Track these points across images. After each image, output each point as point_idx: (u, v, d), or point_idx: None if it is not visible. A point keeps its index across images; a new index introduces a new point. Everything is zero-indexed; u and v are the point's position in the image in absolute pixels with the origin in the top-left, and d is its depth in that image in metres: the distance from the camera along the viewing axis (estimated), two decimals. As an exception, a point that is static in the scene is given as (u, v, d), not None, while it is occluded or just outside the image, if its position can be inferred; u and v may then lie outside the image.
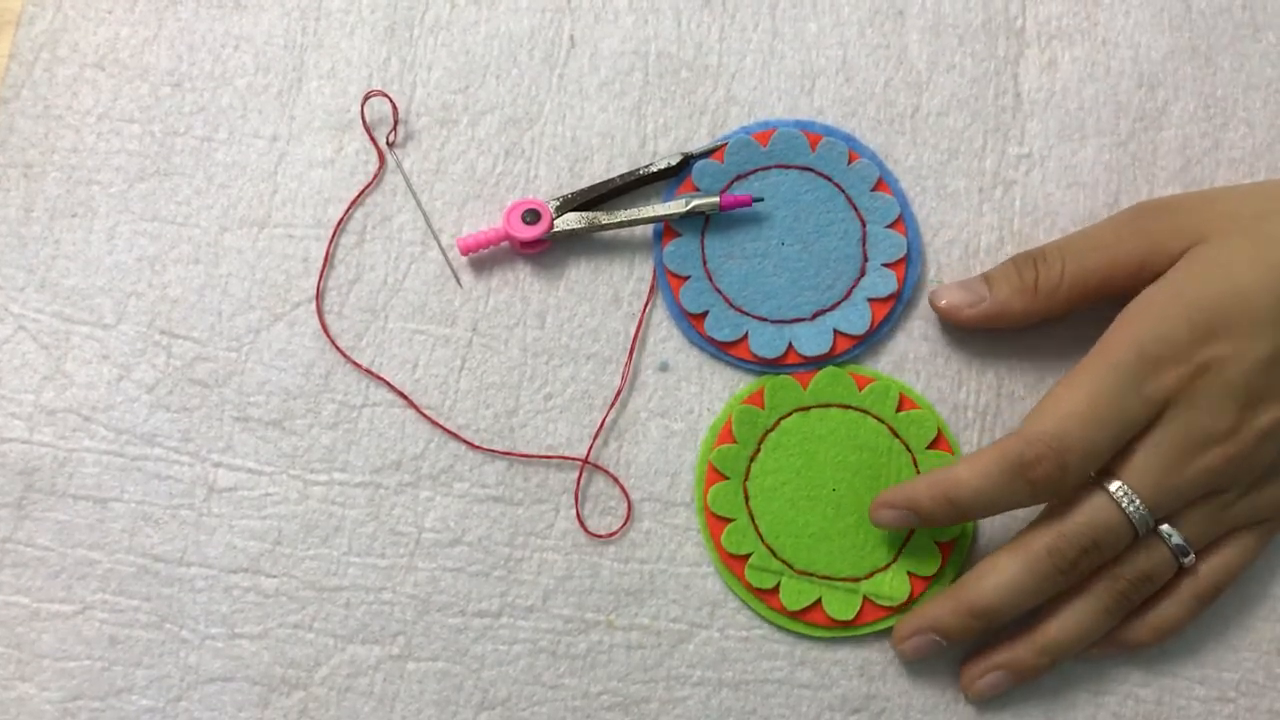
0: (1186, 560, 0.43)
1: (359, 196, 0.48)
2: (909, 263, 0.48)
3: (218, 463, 0.46)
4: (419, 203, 0.48)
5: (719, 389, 0.47)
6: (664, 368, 0.47)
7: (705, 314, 0.47)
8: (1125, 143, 0.49)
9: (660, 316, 0.48)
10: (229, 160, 0.48)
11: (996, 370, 0.48)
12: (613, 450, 0.47)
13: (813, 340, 0.47)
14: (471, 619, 0.45)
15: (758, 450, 0.46)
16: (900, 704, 0.45)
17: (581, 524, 0.46)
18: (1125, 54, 0.50)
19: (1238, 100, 0.50)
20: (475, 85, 0.49)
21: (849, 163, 0.48)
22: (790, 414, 0.47)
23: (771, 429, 0.47)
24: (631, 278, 0.48)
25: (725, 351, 0.47)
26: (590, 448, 0.47)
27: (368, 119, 0.49)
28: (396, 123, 0.49)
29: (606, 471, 0.47)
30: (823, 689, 0.45)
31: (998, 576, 0.43)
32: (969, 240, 0.49)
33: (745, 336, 0.47)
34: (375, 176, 0.48)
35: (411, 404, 0.47)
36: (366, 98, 0.49)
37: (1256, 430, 0.41)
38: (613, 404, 0.47)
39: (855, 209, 0.48)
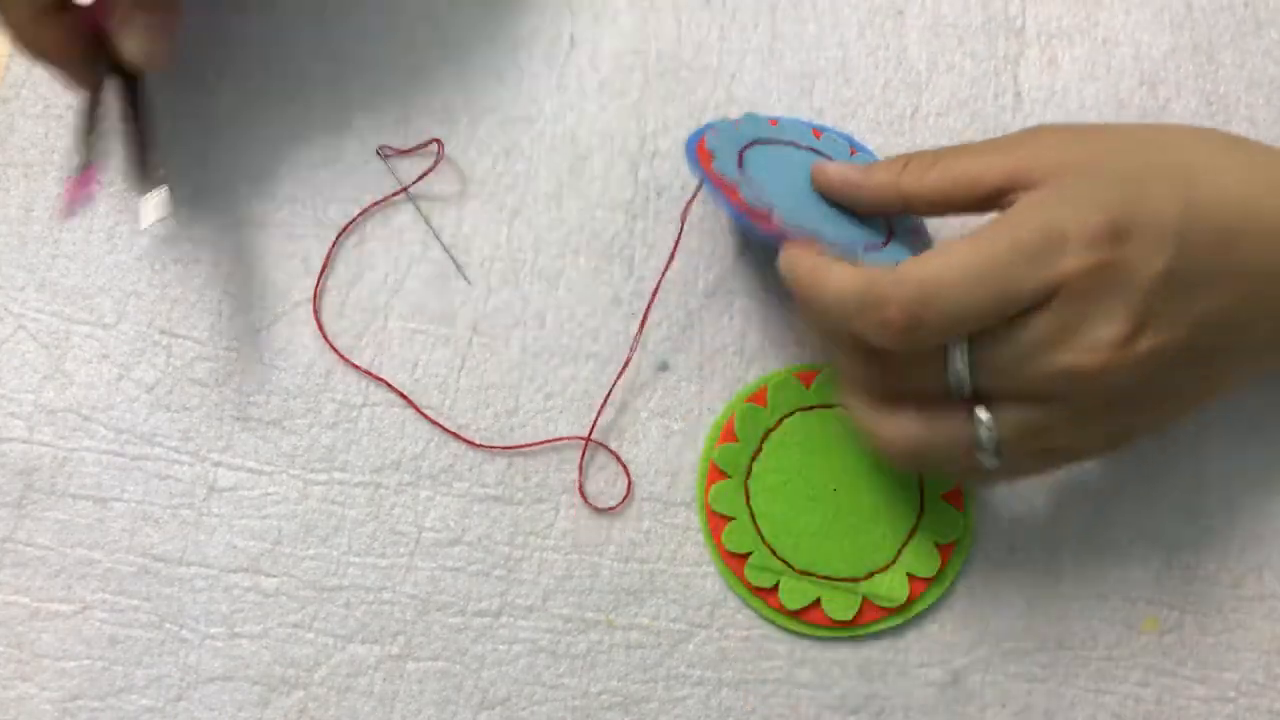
0: (990, 464, 0.40)
1: (369, 209, 0.48)
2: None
3: (218, 462, 0.46)
4: (417, 206, 0.48)
5: (719, 389, 0.47)
6: (664, 368, 0.47)
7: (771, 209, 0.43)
8: (1126, 141, 0.49)
9: (660, 316, 0.48)
10: (229, 160, 0.49)
11: (997, 370, 0.48)
12: (613, 449, 0.47)
13: (813, 339, 0.47)
14: (471, 619, 0.45)
15: (759, 449, 0.46)
16: (900, 704, 0.45)
17: (583, 495, 0.46)
18: (1126, 52, 0.50)
19: (1240, 98, 0.50)
20: (475, 85, 0.49)
21: (850, 157, 0.48)
22: (793, 413, 0.47)
23: (774, 428, 0.47)
24: (631, 278, 0.48)
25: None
26: (592, 428, 0.46)
27: (367, 119, 0.49)
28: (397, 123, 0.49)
29: (607, 448, 0.46)
30: (822, 689, 0.45)
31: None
32: (969, 239, 0.48)
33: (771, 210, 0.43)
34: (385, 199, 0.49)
35: (411, 404, 0.47)
36: (366, 98, 0.49)
37: (1134, 352, 0.38)
38: (613, 384, 0.47)
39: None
